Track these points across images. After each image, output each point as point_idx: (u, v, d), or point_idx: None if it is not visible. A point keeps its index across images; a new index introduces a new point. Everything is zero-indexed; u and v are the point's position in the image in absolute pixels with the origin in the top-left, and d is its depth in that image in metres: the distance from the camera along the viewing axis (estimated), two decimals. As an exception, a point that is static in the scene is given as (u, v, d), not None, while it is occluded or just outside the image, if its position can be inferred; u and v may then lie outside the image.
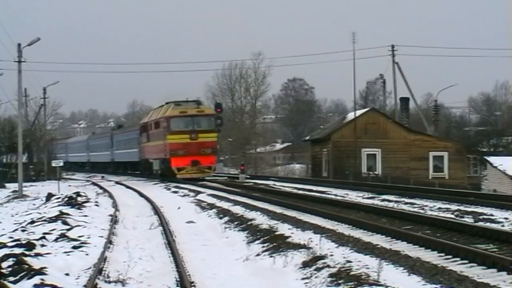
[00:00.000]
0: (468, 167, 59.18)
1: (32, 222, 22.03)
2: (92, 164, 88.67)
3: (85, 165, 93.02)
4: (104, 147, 79.76)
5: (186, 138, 46.42)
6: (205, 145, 46.54)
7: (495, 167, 51.69)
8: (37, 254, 14.26)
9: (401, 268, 11.81)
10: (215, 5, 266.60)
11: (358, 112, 57.75)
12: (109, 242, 17.39)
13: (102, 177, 68.59)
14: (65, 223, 20.63)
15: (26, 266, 12.68)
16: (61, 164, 45.33)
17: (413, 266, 11.79)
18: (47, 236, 17.67)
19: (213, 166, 47.54)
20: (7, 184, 54.89)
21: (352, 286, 10.75)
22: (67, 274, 13.17)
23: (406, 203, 24.81)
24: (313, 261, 13.07)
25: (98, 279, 12.56)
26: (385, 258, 12.67)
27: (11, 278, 11.81)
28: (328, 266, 12.39)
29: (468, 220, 18.50)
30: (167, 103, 50.79)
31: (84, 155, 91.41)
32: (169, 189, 42.18)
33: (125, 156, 69.02)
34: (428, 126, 67.81)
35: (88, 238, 17.65)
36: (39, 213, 25.88)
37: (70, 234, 18.18)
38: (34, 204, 35.80)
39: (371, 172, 53.81)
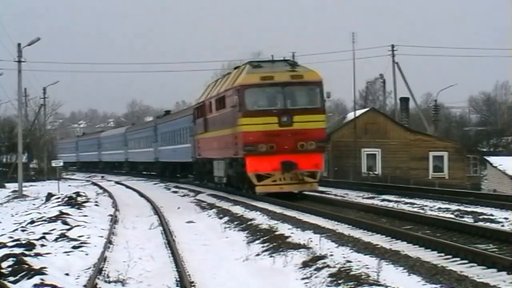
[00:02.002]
0: (468, 167, 59.11)
1: (32, 222, 22.02)
2: (131, 164, 70.38)
3: (123, 165, 74.20)
4: (145, 142, 62.45)
5: (273, 123, 27.25)
6: (306, 135, 27.22)
7: (495, 167, 51.66)
8: (37, 254, 14.25)
9: (401, 268, 11.81)
10: (215, 5, 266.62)
11: (358, 112, 57.69)
12: (109, 242, 17.39)
13: (102, 177, 68.61)
14: (65, 223, 20.62)
15: (26, 266, 12.68)
16: (61, 164, 45.32)
17: (413, 266, 11.79)
18: (47, 236, 17.67)
19: (318, 171, 27.85)
20: (7, 184, 54.86)
21: (352, 286, 10.75)
22: (67, 274, 13.17)
23: (406, 203, 24.83)
24: (313, 261, 13.07)
25: (98, 279, 12.56)
26: (385, 258, 12.67)
27: (11, 278, 11.81)
28: (328, 266, 12.39)
29: (468, 220, 18.50)
30: (236, 67, 32.81)
31: (121, 152, 72.13)
32: (169, 189, 42.19)
33: (173, 154, 51.32)
34: (428, 126, 67.79)
35: (88, 238, 17.65)
36: (39, 213, 25.86)
37: (70, 234, 18.17)
38: (34, 204, 35.79)
39: (371, 172, 53.79)
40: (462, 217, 19.37)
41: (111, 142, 78.68)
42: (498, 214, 19.80)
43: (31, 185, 53.51)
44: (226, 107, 29.82)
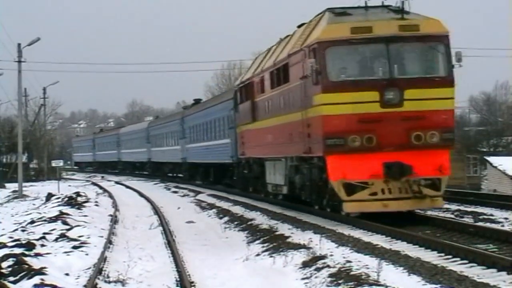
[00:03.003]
0: (468, 167, 59.16)
1: (32, 222, 22.02)
2: (155, 165, 59.34)
3: (145, 166, 63.83)
4: (170, 138, 52.07)
5: (372, 102, 17.76)
6: (425, 121, 17.83)
7: (495, 167, 51.69)
8: (37, 254, 14.26)
9: (401, 268, 11.81)
10: (215, 5, 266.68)
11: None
12: (109, 242, 17.40)
13: (102, 177, 68.63)
14: (65, 223, 20.63)
15: (26, 266, 12.68)
16: (61, 164, 45.26)
17: (413, 266, 11.79)
18: (47, 236, 17.67)
19: (443, 178, 18.07)
20: (7, 184, 54.87)
21: (352, 286, 10.75)
22: (67, 274, 13.18)
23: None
24: (313, 261, 13.07)
25: (98, 279, 12.56)
26: (385, 258, 12.67)
27: (11, 278, 11.82)
28: (328, 266, 12.39)
29: (468, 220, 18.50)
30: (301, 25, 21.79)
31: (143, 151, 61.29)
32: (169, 189, 42.20)
33: (205, 153, 40.17)
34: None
35: (88, 238, 17.65)
36: (39, 213, 25.88)
37: (70, 234, 18.18)
38: (34, 204, 35.79)
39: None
40: (462, 217, 19.35)
41: (131, 139, 67.65)
42: (498, 214, 19.78)
43: (31, 185, 53.52)
44: (291, 81, 20.39)
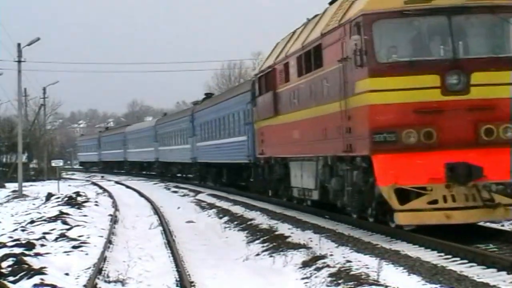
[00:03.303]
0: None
1: (32, 222, 22.02)
2: (163, 165, 55.59)
3: (153, 166, 60.06)
4: (179, 136, 48.73)
5: (431, 88, 14.37)
6: (497, 112, 14.35)
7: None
8: (37, 254, 14.25)
9: (401, 268, 11.81)
10: (215, 5, 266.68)
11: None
12: (109, 241, 17.40)
13: (102, 177, 68.68)
14: (65, 223, 20.64)
15: (26, 266, 12.68)
16: (61, 164, 45.22)
17: (413, 266, 11.78)
18: (47, 236, 17.67)
19: None
20: (7, 184, 54.89)
21: (352, 286, 10.75)
22: (67, 274, 13.17)
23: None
24: (313, 261, 13.07)
25: (98, 279, 12.56)
26: (385, 258, 12.67)
27: (11, 278, 11.81)
28: (328, 266, 12.39)
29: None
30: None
31: (151, 150, 58.02)
32: (168, 189, 42.21)
33: (217, 152, 36.63)
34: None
35: (88, 237, 17.65)
36: (39, 213, 25.88)
37: (70, 233, 18.18)
38: (34, 204, 35.79)
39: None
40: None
41: (138, 138, 64.15)
42: None
43: (31, 185, 53.52)
44: (325, 65, 17.22)
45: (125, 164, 72.63)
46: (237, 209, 24.47)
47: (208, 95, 45.64)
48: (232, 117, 33.16)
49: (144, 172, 64.28)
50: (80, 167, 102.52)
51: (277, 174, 23.11)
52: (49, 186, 48.85)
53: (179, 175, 51.36)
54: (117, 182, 54.28)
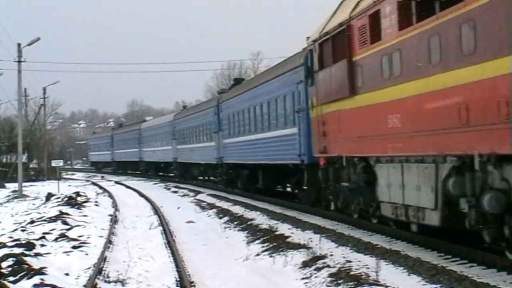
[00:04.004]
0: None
1: (32, 222, 22.03)
2: (182, 166, 48.39)
3: (171, 166, 52.90)
4: (201, 133, 40.86)
5: None
6: None
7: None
8: (37, 254, 14.26)
9: (401, 268, 11.81)
10: (215, 5, 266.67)
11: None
12: (109, 242, 17.40)
13: (102, 177, 68.68)
14: (65, 223, 20.64)
15: (26, 266, 12.68)
16: (61, 164, 45.22)
17: (413, 266, 11.78)
18: (47, 236, 17.67)
19: None
20: (7, 184, 54.90)
21: (352, 286, 10.74)
22: (67, 274, 13.17)
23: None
24: (313, 261, 13.06)
25: (98, 279, 12.56)
26: (385, 258, 12.67)
27: (11, 278, 11.80)
28: (328, 266, 12.38)
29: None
30: None
31: (168, 149, 50.66)
32: (168, 189, 42.21)
33: (250, 150, 29.31)
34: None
35: (88, 238, 17.66)
36: (39, 213, 25.88)
37: (70, 234, 18.18)
38: (34, 204, 35.79)
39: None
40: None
41: (154, 135, 56.84)
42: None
43: (31, 185, 53.55)
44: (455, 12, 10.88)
45: (141, 164, 65.12)
46: (237, 209, 24.47)
47: (239, 80, 38.04)
48: (275, 103, 25.20)
49: (161, 174, 58.07)
50: (92, 167, 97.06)
51: (353, 182, 16.54)
52: (49, 186, 48.87)
53: (200, 178, 43.94)
54: (117, 182, 54.30)
